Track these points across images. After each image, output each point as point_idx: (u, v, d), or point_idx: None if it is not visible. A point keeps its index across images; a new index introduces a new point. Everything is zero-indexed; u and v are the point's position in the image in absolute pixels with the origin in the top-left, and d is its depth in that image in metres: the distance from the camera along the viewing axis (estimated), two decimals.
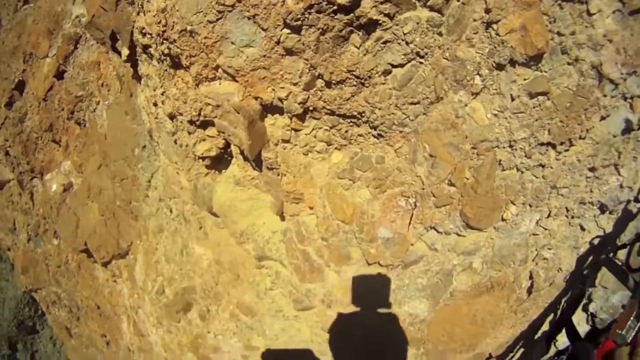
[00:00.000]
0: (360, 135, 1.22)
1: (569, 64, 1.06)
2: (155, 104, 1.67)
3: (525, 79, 1.07)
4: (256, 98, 1.24)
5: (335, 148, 1.27)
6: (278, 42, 1.12)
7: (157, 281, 2.22)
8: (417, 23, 1.05)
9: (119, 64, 2.19)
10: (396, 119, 1.15)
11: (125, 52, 1.65)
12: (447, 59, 1.08)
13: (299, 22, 1.07)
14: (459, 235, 1.24)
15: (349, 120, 1.20)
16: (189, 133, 1.57)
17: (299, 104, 1.19)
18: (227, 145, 1.54)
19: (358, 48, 1.09)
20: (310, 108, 1.21)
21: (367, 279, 1.38)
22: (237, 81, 1.23)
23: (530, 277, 1.31)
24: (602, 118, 1.09)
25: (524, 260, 1.28)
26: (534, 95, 1.08)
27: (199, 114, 1.46)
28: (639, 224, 1.24)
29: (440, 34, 1.06)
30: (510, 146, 1.14)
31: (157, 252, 2.22)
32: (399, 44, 1.08)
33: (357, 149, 1.24)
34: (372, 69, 1.10)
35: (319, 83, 1.16)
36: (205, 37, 1.19)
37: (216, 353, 2.10)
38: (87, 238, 2.39)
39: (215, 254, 1.79)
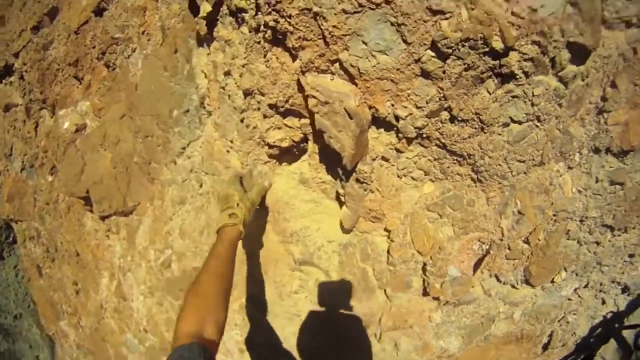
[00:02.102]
0: (459, 174, 1.20)
1: None
2: (227, 74, 1.53)
3: (611, 167, 1.15)
4: (370, 107, 1.17)
5: (430, 179, 1.24)
6: (417, 61, 1.05)
7: (164, 253, 1.98)
8: (546, 89, 1.06)
9: (166, 16, 1.98)
10: (500, 170, 1.15)
11: (206, 8, 1.48)
12: (559, 130, 1.12)
13: (449, 51, 1.02)
14: (513, 287, 1.31)
15: (454, 158, 1.18)
16: (265, 117, 1.46)
17: (415, 128, 1.15)
18: (304, 140, 1.47)
19: (490, 94, 1.08)
20: (424, 135, 1.17)
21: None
22: (355, 84, 1.15)
23: (550, 336, 1.45)
24: None
25: (553, 319, 1.41)
26: (613, 183, 1.16)
27: (287, 101, 1.37)
28: None
29: (560, 105, 1.08)
30: (581, 221, 1.20)
31: (172, 223, 1.99)
32: (524, 102, 1.08)
33: (451, 186, 1.22)
34: (495, 118, 1.09)
35: (444, 115, 1.12)
36: (334, 27, 1.08)
37: None
38: (90, 186, 2.06)
39: (245, 244, 1.67)
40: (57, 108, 2.15)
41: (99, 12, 2.15)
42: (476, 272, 1.25)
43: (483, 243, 1.23)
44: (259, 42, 1.35)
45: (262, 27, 1.27)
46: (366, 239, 1.33)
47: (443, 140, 1.17)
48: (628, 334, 1.46)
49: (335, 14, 1.08)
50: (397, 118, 1.16)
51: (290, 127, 1.41)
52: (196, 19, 1.58)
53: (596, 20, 1.01)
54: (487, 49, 1.03)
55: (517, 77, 1.07)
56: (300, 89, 1.30)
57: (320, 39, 1.15)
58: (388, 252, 1.29)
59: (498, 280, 1.27)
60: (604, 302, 1.38)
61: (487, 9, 0.99)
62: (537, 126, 1.14)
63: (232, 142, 1.59)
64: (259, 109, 1.44)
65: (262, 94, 1.40)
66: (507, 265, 1.25)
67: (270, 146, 1.44)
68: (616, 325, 1.43)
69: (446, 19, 1.01)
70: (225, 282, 1.12)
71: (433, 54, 1.05)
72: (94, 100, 2.16)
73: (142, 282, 2.20)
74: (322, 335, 1.51)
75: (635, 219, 1.23)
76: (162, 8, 2.00)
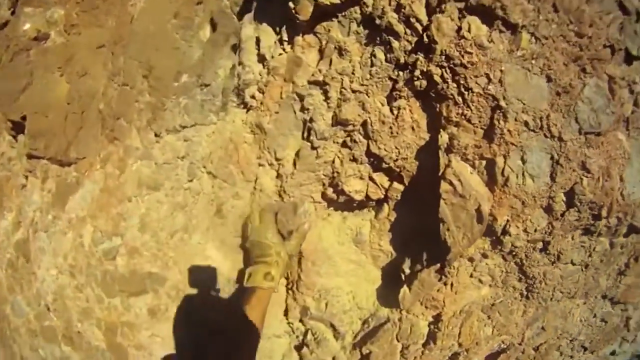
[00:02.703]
0: (514, 287, 1.37)
1: (622, 310, 1.59)
2: (318, 84, 1.29)
3: (605, 309, 1.53)
4: (490, 215, 1.20)
5: (489, 285, 1.37)
6: (549, 197, 1.18)
7: (111, 240, 1.53)
8: (602, 248, 1.33)
9: None
10: (546, 295, 1.38)
11: None
12: (593, 278, 1.41)
13: (577, 203, 1.18)
14: None
15: (520, 275, 1.35)
16: (353, 160, 1.30)
17: (513, 245, 1.25)
18: (381, 201, 1.37)
19: (572, 240, 1.30)
20: (513, 252, 1.29)
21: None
22: (492, 190, 1.17)
23: None
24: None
25: None
26: (603, 320, 1.54)
27: (396, 160, 1.25)
28: None
29: (602, 261, 1.37)
30: (571, 341, 1.57)
31: (129, 205, 1.55)
32: (585, 251, 1.34)
33: (502, 294, 1.38)
34: (566, 257, 1.32)
35: (539, 245, 1.27)
36: (509, 130, 1.09)
37: (139, 350, 1.61)
38: (30, 113, 1.40)
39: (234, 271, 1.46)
40: (21, 4, 1.44)
41: None
42: None
43: (504, 343, 1.39)
44: (394, 81, 1.21)
45: (417, 72, 1.15)
46: (411, 320, 1.35)
47: (523, 262, 1.33)
48: None
49: (515, 120, 1.10)
50: (505, 232, 1.25)
51: (375, 183, 1.30)
52: None
53: None
54: (596, 213, 1.23)
55: (593, 234, 1.32)
56: (421, 157, 1.23)
57: (483, 129, 1.15)
58: (430, 337, 1.33)
59: None
60: None
61: (613, 184, 1.19)
62: (582, 271, 1.40)
63: (278, 160, 1.36)
64: (349, 147, 1.27)
65: (367, 137, 1.24)
66: None
67: (339, 192, 1.29)
68: None
69: (587, 177, 1.17)
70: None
71: (564, 199, 1.20)
72: (71, 13, 1.52)
73: (61, 255, 1.69)
74: None
75: (601, 345, 1.58)
76: None
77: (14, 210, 1.69)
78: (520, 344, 1.47)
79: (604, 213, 1.23)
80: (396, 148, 1.23)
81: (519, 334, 1.45)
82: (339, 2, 1.20)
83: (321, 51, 1.33)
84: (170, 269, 1.56)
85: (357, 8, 1.21)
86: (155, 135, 1.58)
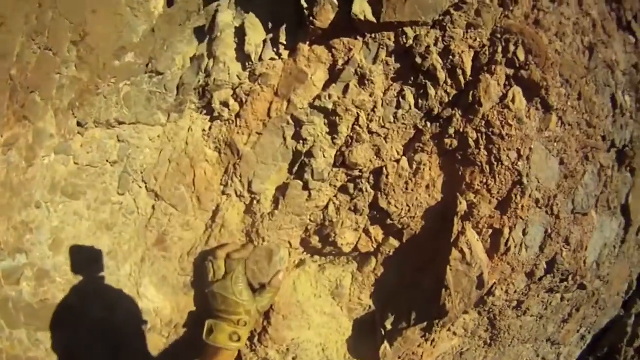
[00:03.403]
0: (480, 337, 1.42)
1: (556, 349, 1.82)
2: (325, 112, 1.11)
3: (546, 350, 1.73)
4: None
5: (459, 335, 1.37)
6: (534, 265, 1.22)
7: (14, 258, 1.16)
8: (556, 301, 1.48)
9: None
10: (507, 342, 1.48)
11: (367, 12, 1.02)
12: (544, 326, 1.58)
13: (555, 272, 1.25)
14: None
15: (488, 327, 1.39)
16: (354, 210, 1.12)
17: (493, 304, 1.28)
18: (369, 254, 1.23)
19: (538, 297, 1.40)
20: (491, 311, 1.32)
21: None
22: (490, 257, 1.16)
23: None
24: None
25: None
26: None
27: (402, 217, 1.13)
28: None
29: (552, 312, 1.53)
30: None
31: (38, 214, 1.23)
32: (542, 304, 1.44)
33: (469, 342, 1.43)
34: (527, 309, 1.42)
35: (514, 303, 1.33)
36: (522, 206, 1.09)
37: None
38: None
39: (179, 319, 1.23)
40: None
41: None
42: None
43: None
44: (420, 131, 1.10)
45: (450, 130, 1.09)
46: None
47: (496, 318, 1.43)
48: None
49: (529, 199, 1.12)
50: (489, 293, 1.23)
51: (369, 237, 1.18)
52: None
53: (599, 276, 1.53)
54: (564, 278, 1.33)
55: (553, 291, 1.43)
56: (429, 219, 1.17)
57: (498, 201, 1.14)
58: None
59: None
60: None
61: (582, 255, 1.30)
62: (537, 321, 1.55)
63: (253, 194, 1.19)
64: (350, 195, 1.11)
65: (378, 188, 1.09)
66: None
67: (327, 242, 1.13)
68: None
69: (566, 249, 1.25)
70: None
71: (545, 266, 1.25)
72: None
73: None
74: None
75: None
76: None
77: None
78: None
79: (570, 279, 1.35)
80: (407, 205, 1.14)
81: None
82: (374, 20, 0.96)
83: (334, 71, 1.08)
84: (91, 303, 1.23)
85: (392, 34, 0.99)
86: (79, 124, 1.18)
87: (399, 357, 1.38)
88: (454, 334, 1.43)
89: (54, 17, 1.17)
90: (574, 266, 1.34)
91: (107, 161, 1.23)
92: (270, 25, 1.22)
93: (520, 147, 1.08)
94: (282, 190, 1.18)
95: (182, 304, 1.32)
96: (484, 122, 1.04)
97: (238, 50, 1.22)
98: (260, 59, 1.19)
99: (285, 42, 1.16)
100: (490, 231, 1.19)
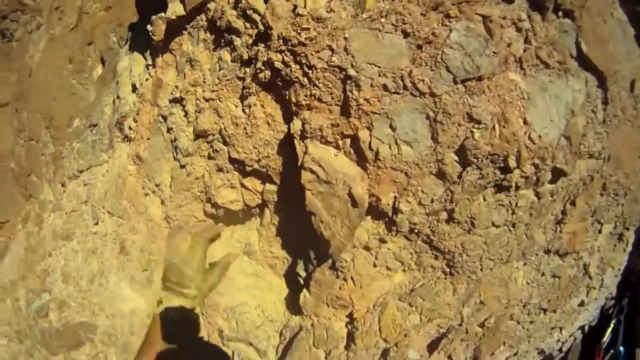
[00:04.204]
0: (432, 267, 1.08)
1: (575, 260, 1.27)
2: (176, 101, 1.07)
3: (554, 264, 1.19)
4: (372, 196, 0.94)
5: (402, 269, 1.09)
6: (438, 161, 0.91)
7: (40, 297, 1.38)
8: (526, 201, 1.04)
9: None
10: (473, 266, 1.08)
11: (177, 9, 0.99)
12: (526, 235, 1.10)
13: (474, 160, 0.90)
14: None
15: (434, 253, 1.06)
16: (220, 170, 1.07)
17: (411, 223, 0.98)
18: (261, 206, 1.14)
19: (484, 201, 1.00)
20: (415, 230, 1.00)
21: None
22: (364, 167, 0.93)
23: None
24: (573, 297, 1.38)
25: None
26: (554, 276, 1.21)
27: (259, 161, 1.02)
28: None
29: (531, 215, 1.07)
30: (524, 306, 1.23)
31: (50, 260, 1.39)
32: (507, 210, 1.04)
33: (421, 276, 1.09)
34: (482, 222, 1.01)
35: (443, 215, 0.99)
36: (365, 100, 0.86)
37: None
38: None
39: (153, 309, 1.26)
40: None
41: None
42: (432, 354, 1.14)
43: (441, 328, 1.14)
44: (242, 79, 0.99)
45: (259, 64, 0.93)
46: (324, 325, 1.12)
47: (431, 237, 1.03)
48: None
49: (371, 86, 0.85)
50: (396, 211, 0.97)
51: (249, 189, 1.07)
52: (155, 17, 1.06)
53: (577, 152, 1.03)
54: (502, 165, 0.94)
55: (510, 189, 1.02)
56: (282, 152, 0.98)
57: (338, 105, 0.89)
58: (351, 339, 1.09)
59: (450, 359, 1.19)
60: None
61: (515, 129, 0.90)
62: (510, 231, 1.09)
63: (158, 186, 1.15)
64: (213, 158, 1.05)
65: (226, 143, 1.02)
66: (460, 346, 1.19)
67: (216, 206, 1.08)
68: None
69: (479, 129, 0.89)
70: None
71: (457, 158, 0.92)
72: None
73: (5, 322, 1.54)
74: None
75: (563, 301, 1.29)
76: None
77: None
78: (460, 325, 1.19)
79: (512, 163, 0.94)
80: (255, 148, 0.99)
81: (455, 314, 1.16)
82: (184, 13, 0.99)
83: (177, 67, 1.12)
84: (97, 315, 1.39)
85: (202, 15, 1.00)
86: (62, 185, 1.42)
87: (326, 305, 1.15)
88: (388, 269, 1.07)
89: (28, 115, 1.40)
90: (504, 147, 0.90)
91: (81, 203, 1.40)
92: (145, 54, 1.35)
93: (330, 43, 0.83)
94: (171, 173, 1.17)
95: (151, 295, 1.38)
96: (281, 41, 0.86)
97: (130, 84, 1.38)
98: (141, 84, 1.31)
99: (152, 63, 1.18)
100: (347, 140, 0.91)
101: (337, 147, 0.92)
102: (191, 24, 1.04)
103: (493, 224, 1.07)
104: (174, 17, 1.01)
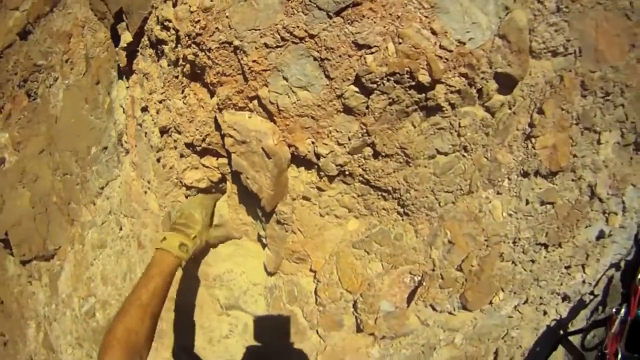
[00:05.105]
0: (384, 209, 1.06)
1: (573, 180, 1.10)
2: (144, 109, 1.29)
3: (540, 189, 1.04)
4: (290, 146, 1.00)
5: (354, 216, 1.09)
6: (339, 97, 0.92)
7: (88, 301, 1.74)
8: (473, 119, 0.96)
9: (91, 44, 1.69)
10: (427, 202, 1.03)
11: (127, 38, 1.23)
12: (487, 158, 1.01)
13: (373, 86, 0.89)
14: (450, 314, 1.19)
15: (379, 193, 1.04)
16: (182, 156, 1.24)
17: (337, 165, 1.00)
18: (222, 180, 1.26)
19: (414, 127, 0.96)
20: (347, 172, 1.02)
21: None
22: (274, 121, 0.99)
23: (495, 353, 1.35)
24: (586, 227, 1.17)
25: (496, 338, 1.29)
26: (544, 203, 1.06)
27: (204, 140, 1.16)
28: (588, 312, 1.37)
29: (487, 134, 0.98)
30: (514, 242, 1.10)
31: (93, 268, 1.75)
32: (450, 133, 0.97)
33: (377, 221, 1.08)
34: (421, 151, 0.97)
35: (367, 151, 0.98)
36: (254, 61, 0.92)
37: None
38: (9, 228, 1.77)
39: (170, 290, 1.46)
40: None
41: (24, 35, 1.85)
42: (410, 304, 1.10)
43: (414, 275, 1.10)
44: (177, 77, 1.16)
45: (181, 61, 1.09)
46: (292, 281, 1.17)
47: (367, 177, 1.02)
48: (574, 339, 1.34)
49: (256, 48, 0.92)
50: (317, 156, 1.02)
51: (207, 167, 1.21)
52: (117, 49, 1.32)
53: (525, 51, 0.92)
54: (413, 83, 0.91)
55: (444, 109, 0.96)
56: (218, 127, 1.11)
57: (239, 74, 0.99)
58: (316, 292, 1.13)
59: (434, 309, 1.14)
60: (545, 313, 1.27)
61: (414, 42, 0.87)
62: (464, 156, 1.02)
63: (149, 182, 1.37)
64: (175, 147, 1.23)
65: (179, 132, 1.19)
66: (442, 294, 1.12)
67: (188, 187, 1.23)
68: (561, 332, 1.32)
69: (372, 53, 0.88)
70: (156, 320, 0.97)
71: (356, 89, 0.92)
72: (13, 133, 1.86)
73: (68, 332, 1.92)
74: None
75: (569, 233, 1.13)
76: (88, 36, 1.72)
77: (33, 316, 2.03)
78: (433, 270, 1.11)
79: (424, 78, 0.89)
80: (197, 130, 1.13)
81: (425, 259, 1.09)
82: (132, 39, 1.22)
83: (141, 84, 1.36)
84: None
85: (145, 36, 1.20)
86: (93, 204, 1.78)
87: (287, 260, 1.18)
88: (337, 217, 1.08)
89: (60, 155, 1.75)
90: (403, 62, 0.86)
91: (107, 214, 1.74)
92: (124, 77, 1.59)
93: (217, 25, 0.92)
94: (152, 169, 1.35)
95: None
96: (187, 38, 0.99)
97: (120, 106, 1.65)
98: (125, 103, 1.57)
99: (127, 85, 1.50)
100: (255, 102, 0.98)
101: (250, 110, 1.01)
102: (139, 46, 1.25)
103: (439, 152, 1.00)
104: (125, 44, 1.24)
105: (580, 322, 1.38)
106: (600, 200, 1.10)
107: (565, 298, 1.28)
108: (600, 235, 1.15)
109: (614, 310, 1.25)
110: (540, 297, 1.25)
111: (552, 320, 1.31)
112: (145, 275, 1.01)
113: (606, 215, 1.14)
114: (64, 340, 1.83)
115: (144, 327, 0.89)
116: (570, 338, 1.31)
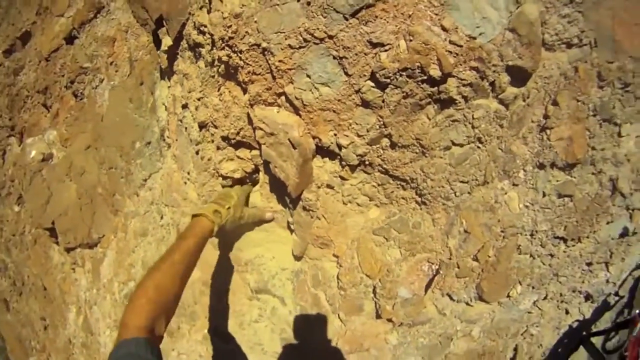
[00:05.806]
0: (403, 198, 1.15)
1: (593, 174, 1.12)
2: (184, 106, 1.46)
3: (557, 181, 1.09)
4: (314, 138, 1.12)
5: (375, 204, 1.18)
6: (357, 92, 1.02)
7: (127, 285, 1.92)
8: (487, 111, 1.02)
9: (134, 47, 1.91)
10: (443, 192, 1.10)
11: (167, 42, 1.41)
12: (501, 149, 1.07)
13: (387, 80, 0.98)
14: (467, 304, 1.22)
15: (398, 183, 1.13)
16: (218, 148, 1.39)
17: (357, 155, 1.10)
18: (255, 171, 1.40)
19: (429, 119, 1.04)
20: (366, 162, 1.11)
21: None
22: (299, 115, 1.11)
23: (515, 349, 1.35)
24: (607, 223, 1.17)
25: (515, 333, 1.31)
26: (562, 196, 1.10)
27: (238, 133, 1.30)
28: (613, 314, 1.35)
29: (502, 126, 1.04)
30: (531, 235, 1.15)
31: (134, 255, 1.93)
32: (465, 125, 1.04)
33: (396, 210, 1.16)
34: (436, 142, 1.05)
35: (384, 142, 1.08)
36: (280, 61, 1.05)
37: None
38: (56, 217, 2.00)
39: (204, 274, 1.58)
40: (25, 136, 2.08)
41: (70, 39, 2.05)
42: (427, 292, 1.15)
43: (432, 263, 1.16)
44: (213, 76, 1.31)
45: (216, 62, 1.23)
46: (316, 265, 1.26)
47: (385, 166, 1.11)
48: (596, 340, 1.33)
49: (281, 49, 1.05)
50: (339, 147, 1.12)
51: (242, 158, 1.34)
52: (158, 52, 1.50)
53: (536, 43, 0.97)
54: (425, 77, 0.99)
55: (457, 102, 1.04)
56: (250, 121, 1.25)
57: (268, 73, 1.12)
58: (338, 277, 1.21)
59: (451, 298, 1.19)
60: (567, 312, 1.28)
61: (424, 39, 0.95)
62: (478, 147, 1.08)
63: (188, 173, 1.52)
64: (212, 141, 1.37)
65: (215, 127, 1.33)
66: (458, 284, 1.17)
67: (224, 177, 1.37)
68: (584, 333, 1.31)
69: (385, 50, 0.98)
70: (186, 280, 1.01)
71: (372, 84, 1.02)
72: (61, 130, 2.09)
73: (107, 315, 2.10)
74: None
75: (588, 228, 1.15)
76: (131, 40, 1.93)
77: (74, 301, 2.22)
78: (450, 259, 1.16)
79: (435, 72, 0.96)
80: (232, 124, 1.27)
81: (442, 247, 1.15)
82: (172, 43, 1.41)
83: (181, 84, 1.53)
84: None
85: (184, 40, 1.38)
86: (136, 195, 1.97)
87: (312, 245, 1.26)
88: (358, 205, 1.17)
89: (105, 150, 1.94)
90: (418, 58, 0.94)
91: (150, 204, 1.93)
92: (166, 77, 1.77)
93: (247, 30, 1.04)
94: (192, 161, 1.51)
95: (204, 271, 1.74)
96: (221, 41, 1.10)
97: (163, 104, 1.84)
98: (167, 102, 1.76)
99: (169, 84, 1.70)
100: (283, 98, 1.10)
101: (278, 105, 1.13)
102: (179, 49, 1.41)
103: (453, 143, 1.07)
104: (166, 48, 1.40)
105: (604, 324, 1.36)
106: (623, 195, 1.11)
107: (588, 297, 1.28)
108: (624, 233, 1.16)
109: (637, 312, 1.24)
110: (561, 294, 1.26)
111: (575, 321, 1.31)
112: (180, 236, 1.08)
113: (630, 211, 1.15)
114: (103, 322, 2.01)
115: (173, 286, 0.92)
116: (593, 340, 1.29)
